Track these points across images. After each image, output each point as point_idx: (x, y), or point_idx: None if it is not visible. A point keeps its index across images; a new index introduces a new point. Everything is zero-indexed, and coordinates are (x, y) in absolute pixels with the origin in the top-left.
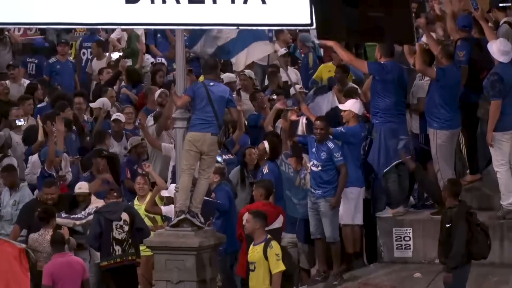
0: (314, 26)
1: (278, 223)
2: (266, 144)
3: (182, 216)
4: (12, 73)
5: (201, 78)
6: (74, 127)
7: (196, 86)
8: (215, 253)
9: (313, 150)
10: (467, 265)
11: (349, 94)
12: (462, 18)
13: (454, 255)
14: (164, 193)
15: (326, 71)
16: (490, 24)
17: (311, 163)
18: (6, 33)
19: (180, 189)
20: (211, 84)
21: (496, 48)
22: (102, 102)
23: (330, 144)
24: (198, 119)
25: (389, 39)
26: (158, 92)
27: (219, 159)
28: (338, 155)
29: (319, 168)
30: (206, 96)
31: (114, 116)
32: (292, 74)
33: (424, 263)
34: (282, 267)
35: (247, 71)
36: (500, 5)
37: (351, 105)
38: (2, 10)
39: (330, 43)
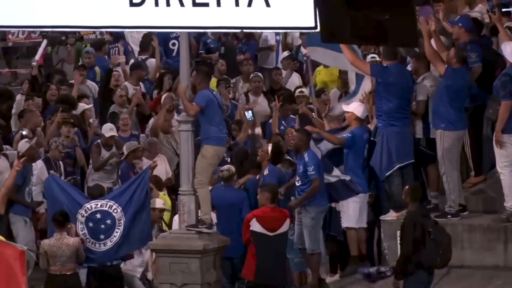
0: (318, 29)
1: (285, 226)
2: (269, 146)
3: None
4: (82, 73)
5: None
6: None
7: (208, 95)
8: (219, 256)
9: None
10: (420, 272)
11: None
12: (465, 20)
13: (398, 260)
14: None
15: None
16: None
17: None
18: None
19: (204, 201)
20: (214, 92)
21: (510, 49)
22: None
23: (306, 158)
24: (218, 132)
25: (392, 43)
26: (164, 95)
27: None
28: (311, 169)
29: (299, 183)
30: (218, 106)
31: (108, 133)
32: (295, 78)
33: None
34: None
35: (260, 74)
36: (503, 10)
37: (355, 108)
38: (6, 14)
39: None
